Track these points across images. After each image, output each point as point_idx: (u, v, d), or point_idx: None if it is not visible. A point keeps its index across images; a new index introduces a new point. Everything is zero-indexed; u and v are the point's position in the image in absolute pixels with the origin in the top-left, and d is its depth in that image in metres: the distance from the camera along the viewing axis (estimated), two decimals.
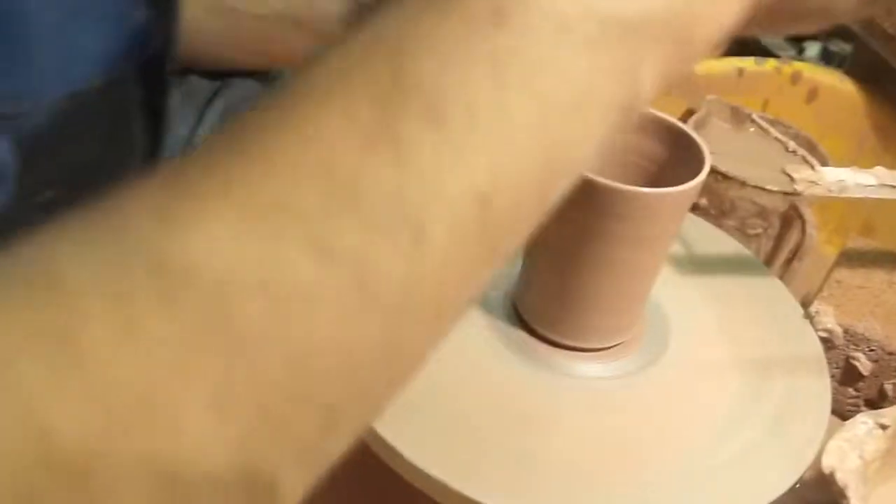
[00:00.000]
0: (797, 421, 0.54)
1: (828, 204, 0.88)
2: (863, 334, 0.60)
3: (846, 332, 0.60)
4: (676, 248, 0.64)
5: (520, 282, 0.56)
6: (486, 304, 0.56)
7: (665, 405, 0.53)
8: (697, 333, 0.57)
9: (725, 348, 0.57)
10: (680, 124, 0.52)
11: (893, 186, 0.54)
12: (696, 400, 0.54)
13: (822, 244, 0.88)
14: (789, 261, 0.73)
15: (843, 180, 0.54)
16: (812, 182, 0.53)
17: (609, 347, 0.54)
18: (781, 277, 0.74)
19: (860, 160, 0.84)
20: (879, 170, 0.55)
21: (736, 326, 0.59)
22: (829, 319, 0.60)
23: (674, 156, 0.53)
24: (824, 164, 0.77)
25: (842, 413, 0.64)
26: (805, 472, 0.52)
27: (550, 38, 0.24)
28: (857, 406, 0.63)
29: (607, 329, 0.54)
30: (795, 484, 0.51)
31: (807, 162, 0.54)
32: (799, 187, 0.54)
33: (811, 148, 0.78)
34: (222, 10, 0.57)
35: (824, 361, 0.57)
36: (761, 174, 0.77)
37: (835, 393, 0.63)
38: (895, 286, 0.64)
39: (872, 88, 0.83)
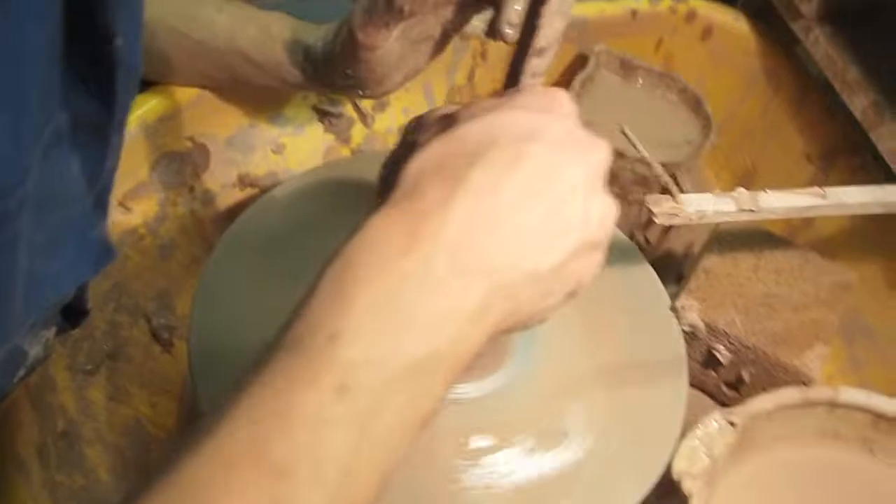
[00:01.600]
0: (653, 428, 0.58)
1: (719, 140, 0.89)
2: (723, 329, 0.62)
3: (708, 326, 0.63)
4: None
5: None
6: None
7: (528, 423, 0.55)
8: (562, 342, 0.59)
9: (589, 358, 0.59)
10: None
11: (751, 210, 0.54)
12: (558, 416, 0.56)
13: (709, 181, 0.89)
14: (667, 229, 0.74)
15: (702, 210, 0.54)
16: (672, 214, 0.53)
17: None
18: (659, 243, 0.76)
19: (749, 99, 0.85)
20: (740, 192, 0.55)
21: (602, 329, 0.60)
22: (692, 315, 0.62)
23: None
24: (708, 123, 0.76)
25: (709, 391, 0.68)
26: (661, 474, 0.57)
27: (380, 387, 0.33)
28: (719, 386, 0.66)
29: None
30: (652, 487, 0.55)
31: (668, 191, 0.53)
32: (659, 220, 0.54)
33: (697, 105, 0.78)
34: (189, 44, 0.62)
35: (685, 362, 0.59)
36: (650, 130, 0.76)
37: (700, 374, 0.67)
38: (760, 272, 0.66)
39: (765, 28, 0.82)
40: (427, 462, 0.53)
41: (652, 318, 0.62)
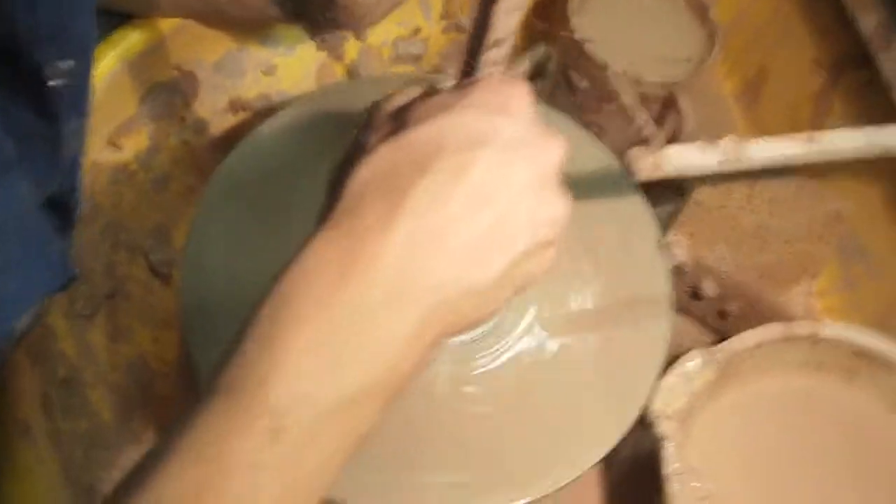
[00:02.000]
0: (634, 367, 0.59)
1: (729, 37, 0.85)
2: (711, 266, 0.62)
3: (697, 262, 0.62)
4: None
5: None
6: None
7: (522, 370, 0.57)
8: (550, 281, 0.59)
9: (575, 297, 0.60)
10: None
11: (733, 162, 0.53)
12: (550, 360, 0.58)
13: (719, 80, 0.86)
14: (669, 142, 0.73)
15: (684, 163, 0.53)
16: (652, 170, 0.52)
17: None
18: None
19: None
20: (727, 142, 0.53)
21: (589, 266, 0.61)
22: (681, 251, 0.62)
23: None
24: (712, 34, 0.73)
25: (697, 317, 0.68)
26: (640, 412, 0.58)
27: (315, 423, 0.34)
28: (706, 318, 0.67)
29: None
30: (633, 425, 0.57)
31: (649, 145, 0.52)
32: (641, 175, 0.53)
33: (703, 13, 0.74)
34: None
35: (669, 301, 0.60)
36: (652, 42, 0.74)
37: (687, 304, 0.67)
38: (753, 202, 0.65)
39: None
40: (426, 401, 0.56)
41: (640, 253, 0.62)
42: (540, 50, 0.80)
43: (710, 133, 0.82)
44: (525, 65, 0.81)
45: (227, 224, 0.59)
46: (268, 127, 0.64)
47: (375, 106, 0.42)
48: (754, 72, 0.82)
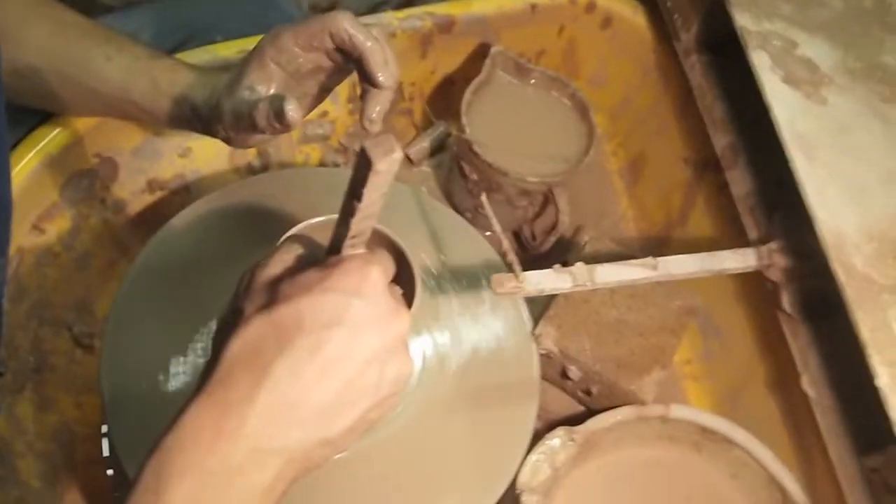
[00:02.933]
0: (504, 445, 0.67)
1: (616, 118, 0.93)
2: (574, 356, 0.71)
3: (562, 351, 0.71)
4: (433, 260, 0.72)
5: None
6: None
7: (396, 450, 0.65)
8: (433, 368, 0.67)
9: (456, 382, 0.67)
10: (398, 241, 0.57)
11: (584, 285, 0.61)
12: (425, 444, 0.65)
13: (607, 156, 0.95)
14: (547, 233, 0.81)
15: (541, 286, 0.61)
16: (513, 292, 0.60)
17: None
18: (541, 244, 0.82)
19: (645, 89, 0.89)
20: (577, 268, 0.61)
21: (470, 353, 0.68)
22: (549, 342, 0.71)
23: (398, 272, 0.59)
24: (591, 132, 0.81)
25: (568, 392, 0.77)
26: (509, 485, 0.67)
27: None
28: (575, 392, 0.76)
29: None
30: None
31: (513, 271, 0.60)
32: (501, 299, 0.61)
33: (583, 112, 0.82)
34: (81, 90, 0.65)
35: (537, 385, 0.68)
36: (537, 136, 0.81)
37: (559, 382, 0.76)
38: (615, 298, 0.73)
39: (662, 25, 0.84)
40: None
41: (514, 342, 0.71)
42: (439, 128, 0.88)
43: (599, 206, 0.91)
44: (426, 142, 0.88)
45: (147, 303, 0.65)
46: (184, 217, 0.70)
47: (253, 272, 0.49)
48: (636, 154, 0.91)
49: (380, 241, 0.58)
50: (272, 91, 0.58)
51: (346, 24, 0.56)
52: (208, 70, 0.64)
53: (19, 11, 0.64)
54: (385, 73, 0.56)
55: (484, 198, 0.63)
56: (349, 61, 0.57)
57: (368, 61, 0.56)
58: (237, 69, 0.60)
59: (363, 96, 0.58)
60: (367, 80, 0.57)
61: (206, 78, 0.62)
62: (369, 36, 0.56)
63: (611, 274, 0.62)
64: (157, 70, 0.63)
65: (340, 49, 0.57)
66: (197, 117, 0.62)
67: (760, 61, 0.65)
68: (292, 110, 0.54)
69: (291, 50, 0.57)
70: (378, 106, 0.58)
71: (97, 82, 0.64)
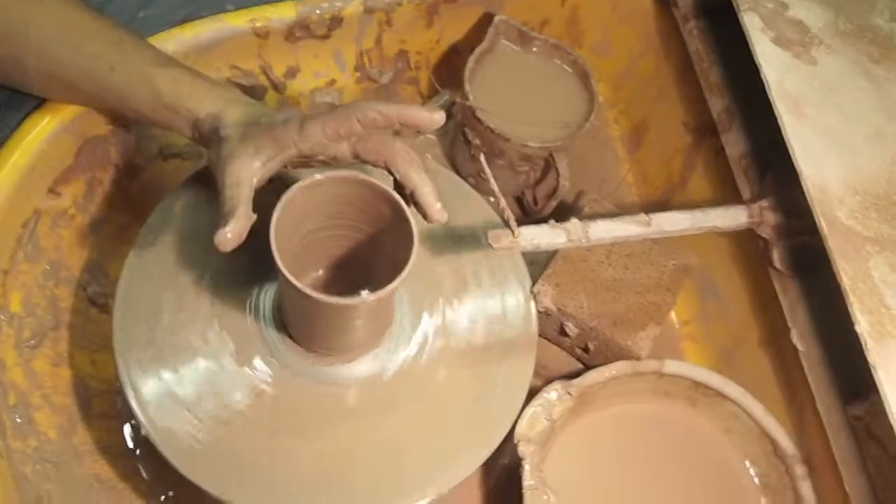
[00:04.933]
0: (503, 396, 0.70)
1: (619, 86, 0.95)
2: (571, 313, 0.73)
3: (559, 309, 0.73)
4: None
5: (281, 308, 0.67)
6: (256, 313, 0.67)
7: (403, 400, 0.67)
8: (436, 324, 0.69)
9: (456, 339, 0.70)
10: (397, 198, 0.59)
11: (579, 241, 0.63)
12: (429, 395, 0.68)
13: (610, 123, 0.96)
14: (548, 197, 0.83)
15: (537, 241, 0.62)
16: (510, 246, 0.62)
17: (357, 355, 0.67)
18: (543, 209, 0.84)
19: (646, 56, 0.90)
20: (572, 223, 0.63)
21: (471, 317, 0.71)
22: (547, 300, 0.73)
23: (392, 224, 0.61)
24: (592, 98, 0.83)
25: (565, 349, 0.79)
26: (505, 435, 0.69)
27: None
28: (573, 348, 0.78)
29: (349, 347, 0.66)
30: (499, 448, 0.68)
31: (509, 227, 0.62)
32: (499, 253, 0.63)
33: (585, 79, 0.83)
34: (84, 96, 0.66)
35: (535, 340, 0.71)
36: (538, 103, 0.83)
37: (557, 339, 0.78)
38: (612, 257, 0.75)
39: None
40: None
41: (514, 300, 0.73)
42: (444, 96, 0.90)
43: (601, 173, 0.93)
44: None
45: (157, 265, 0.68)
46: (195, 180, 0.72)
47: None
48: (638, 121, 0.92)
49: (380, 198, 0.60)
50: (273, 161, 0.59)
51: (397, 152, 0.59)
52: (218, 85, 0.64)
53: (22, 7, 0.64)
54: (437, 212, 0.58)
55: (482, 157, 0.65)
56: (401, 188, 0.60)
57: (421, 197, 0.58)
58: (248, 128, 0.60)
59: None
60: (420, 212, 0.59)
61: (213, 94, 0.62)
62: (420, 170, 0.58)
63: (605, 230, 0.64)
64: (160, 79, 0.63)
65: (391, 173, 0.59)
66: (197, 131, 0.63)
67: (752, 23, 0.66)
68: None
69: (318, 139, 0.58)
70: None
71: (100, 91, 0.64)
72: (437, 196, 0.58)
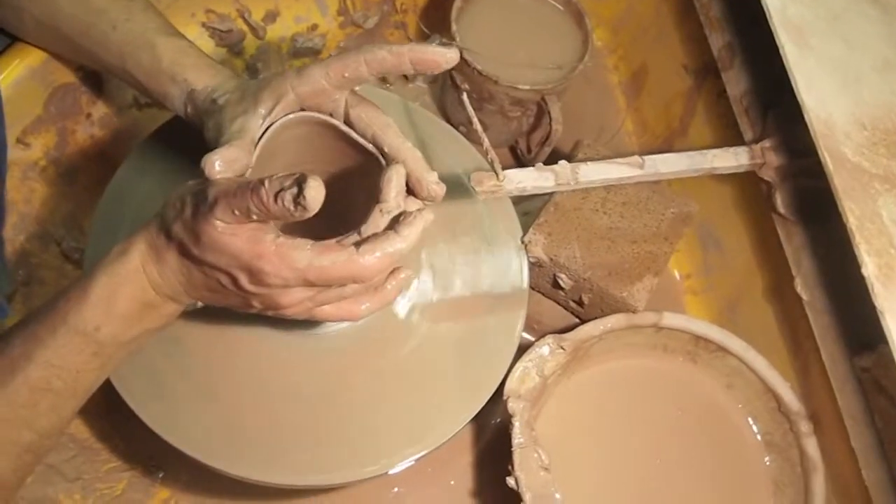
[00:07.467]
0: (491, 351, 0.66)
1: (618, 30, 0.91)
2: (564, 263, 0.69)
3: (551, 259, 0.69)
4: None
5: None
6: None
7: (385, 355, 0.64)
8: (424, 276, 0.66)
9: (444, 290, 0.67)
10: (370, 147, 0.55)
11: (567, 184, 0.59)
12: (413, 350, 0.65)
13: (609, 70, 0.92)
14: (542, 144, 0.79)
15: (523, 185, 0.59)
16: (493, 190, 0.58)
17: None
18: (536, 156, 0.81)
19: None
20: (561, 166, 0.59)
21: (459, 267, 0.67)
22: (538, 249, 0.69)
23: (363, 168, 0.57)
24: (587, 39, 0.78)
25: (559, 303, 0.76)
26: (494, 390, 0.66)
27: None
28: (567, 301, 0.74)
29: None
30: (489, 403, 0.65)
31: (493, 170, 0.58)
32: (482, 197, 0.59)
33: (578, 19, 0.79)
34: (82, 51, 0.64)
35: (525, 292, 0.67)
36: (530, 44, 0.79)
37: (550, 292, 0.75)
38: (607, 205, 0.71)
39: None
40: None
41: (504, 250, 0.69)
42: (433, 41, 0.85)
43: (599, 121, 0.89)
44: None
45: (129, 215, 0.65)
46: (169, 126, 0.69)
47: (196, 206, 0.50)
48: (637, 67, 0.88)
49: (352, 145, 0.57)
50: (273, 111, 0.55)
51: (388, 124, 0.55)
52: (221, 66, 0.61)
53: None
54: (433, 185, 0.54)
55: (464, 95, 0.61)
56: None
57: (414, 172, 0.53)
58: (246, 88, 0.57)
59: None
60: (415, 189, 0.54)
61: (213, 70, 0.60)
62: (412, 147, 0.54)
63: (595, 172, 0.60)
64: (163, 47, 0.60)
65: (378, 146, 0.55)
66: (192, 104, 0.59)
67: None
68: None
69: (319, 83, 0.54)
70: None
71: (99, 48, 0.62)
72: (430, 169, 0.54)
